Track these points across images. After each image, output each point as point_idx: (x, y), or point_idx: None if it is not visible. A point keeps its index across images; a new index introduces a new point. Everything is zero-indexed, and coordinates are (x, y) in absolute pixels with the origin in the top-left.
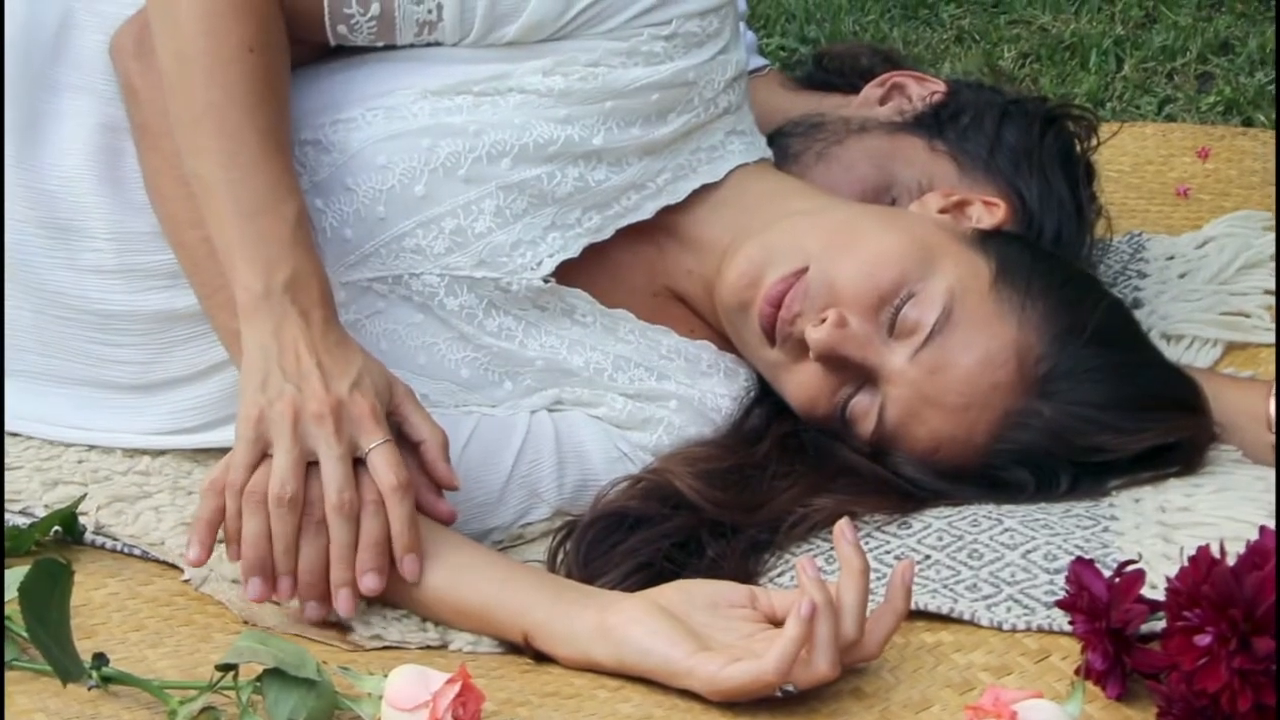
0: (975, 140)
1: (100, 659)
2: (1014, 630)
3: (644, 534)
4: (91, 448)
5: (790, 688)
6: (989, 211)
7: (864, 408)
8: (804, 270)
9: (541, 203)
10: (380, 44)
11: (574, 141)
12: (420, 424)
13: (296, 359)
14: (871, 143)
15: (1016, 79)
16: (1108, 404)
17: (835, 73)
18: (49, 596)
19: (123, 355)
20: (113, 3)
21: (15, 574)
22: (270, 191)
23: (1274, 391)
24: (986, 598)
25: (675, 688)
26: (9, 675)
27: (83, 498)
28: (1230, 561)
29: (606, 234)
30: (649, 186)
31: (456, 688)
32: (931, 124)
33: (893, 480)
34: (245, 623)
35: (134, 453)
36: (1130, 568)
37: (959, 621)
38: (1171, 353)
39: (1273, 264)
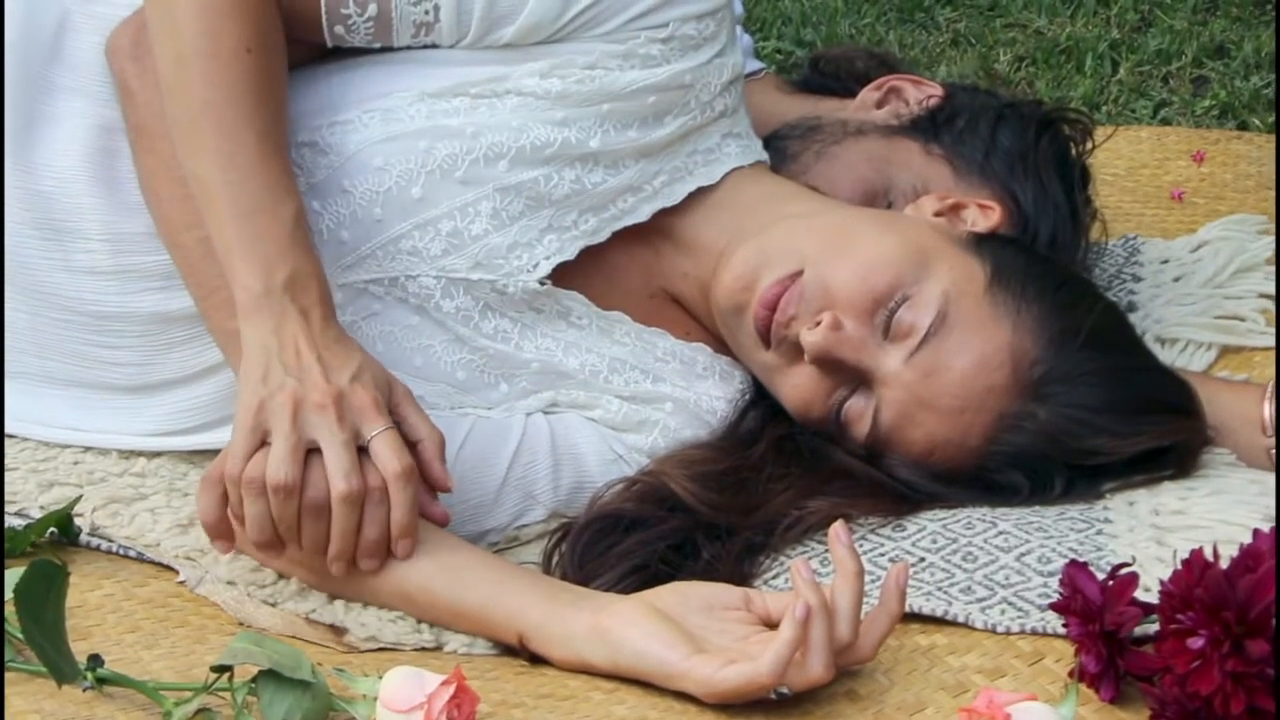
0: (971, 144)
1: (95, 660)
2: (1008, 633)
3: (639, 536)
4: (87, 449)
5: (785, 690)
6: (984, 215)
7: (859, 410)
8: (799, 273)
9: (538, 205)
10: (377, 45)
11: (571, 144)
12: (419, 424)
13: (297, 354)
14: (867, 146)
15: (1012, 82)
16: (1102, 407)
17: (831, 76)
18: (44, 598)
19: (118, 357)
20: (108, 4)
21: (11, 575)
22: (268, 192)
23: (1270, 395)
24: (981, 600)
25: (670, 690)
26: (5, 676)
27: (78, 499)
28: (1224, 565)
29: (603, 236)
30: (645, 189)
31: (451, 689)
32: (927, 127)
33: (887, 483)
34: (240, 624)
35: (130, 454)
36: (1124, 571)
37: (953, 624)
38: (1166, 356)
39: (1266, 268)
